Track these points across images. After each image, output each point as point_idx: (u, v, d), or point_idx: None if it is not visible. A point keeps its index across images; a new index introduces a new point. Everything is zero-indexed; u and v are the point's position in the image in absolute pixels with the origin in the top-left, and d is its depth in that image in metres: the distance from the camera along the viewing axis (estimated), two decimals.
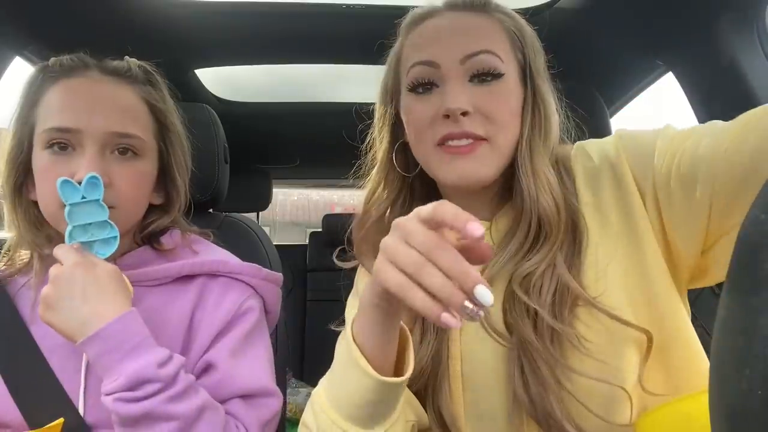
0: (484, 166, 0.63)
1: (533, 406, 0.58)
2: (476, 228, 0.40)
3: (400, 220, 0.46)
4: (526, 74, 0.67)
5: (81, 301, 0.63)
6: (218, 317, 0.75)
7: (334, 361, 0.59)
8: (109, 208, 0.70)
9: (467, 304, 0.40)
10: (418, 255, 0.42)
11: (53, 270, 0.65)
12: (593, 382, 0.57)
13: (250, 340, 0.77)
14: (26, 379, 0.71)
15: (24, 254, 0.79)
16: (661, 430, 0.54)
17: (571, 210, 0.63)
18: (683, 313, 0.62)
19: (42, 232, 0.75)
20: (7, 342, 0.72)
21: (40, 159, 0.71)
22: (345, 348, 0.54)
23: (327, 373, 0.60)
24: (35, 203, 0.74)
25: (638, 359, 0.58)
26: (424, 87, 0.66)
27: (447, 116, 0.63)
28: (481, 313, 0.41)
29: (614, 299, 0.59)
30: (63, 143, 0.70)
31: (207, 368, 0.74)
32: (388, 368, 0.53)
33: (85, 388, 0.71)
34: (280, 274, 0.86)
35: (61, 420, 0.67)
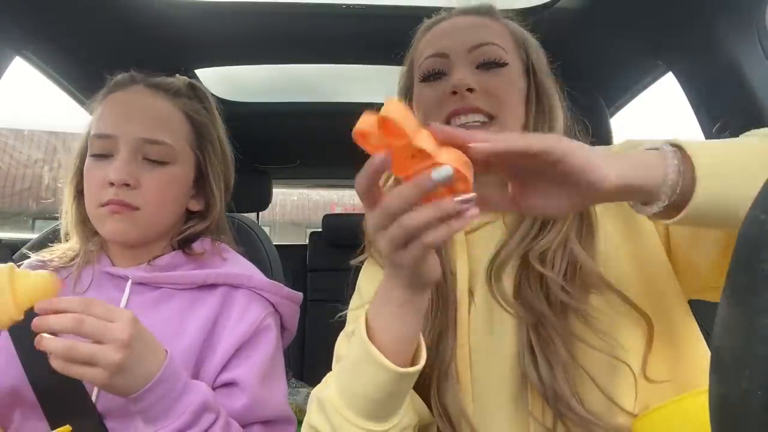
0: None
1: (542, 383, 0.59)
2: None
3: None
4: (530, 72, 0.71)
5: (138, 357, 0.62)
6: (240, 330, 0.77)
7: (343, 360, 0.59)
8: (135, 209, 0.75)
9: (456, 198, 0.43)
10: (384, 215, 0.45)
11: (124, 334, 0.60)
12: (602, 358, 0.58)
13: (274, 363, 0.80)
14: (45, 365, 0.70)
15: (71, 249, 0.84)
16: (660, 431, 0.54)
17: None
18: (686, 308, 0.63)
19: (88, 227, 0.82)
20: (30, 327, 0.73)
21: (87, 164, 0.79)
22: (358, 345, 0.54)
23: (334, 373, 0.60)
24: None
25: (642, 345, 0.60)
26: (434, 76, 0.70)
27: (454, 93, 0.66)
28: (471, 194, 0.43)
29: (621, 282, 0.61)
30: (102, 152, 0.77)
31: (230, 385, 0.75)
32: (403, 360, 0.53)
33: None
34: (301, 294, 0.88)
35: (67, 428, 0.67)
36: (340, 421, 0.55)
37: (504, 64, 0.68)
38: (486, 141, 0.44)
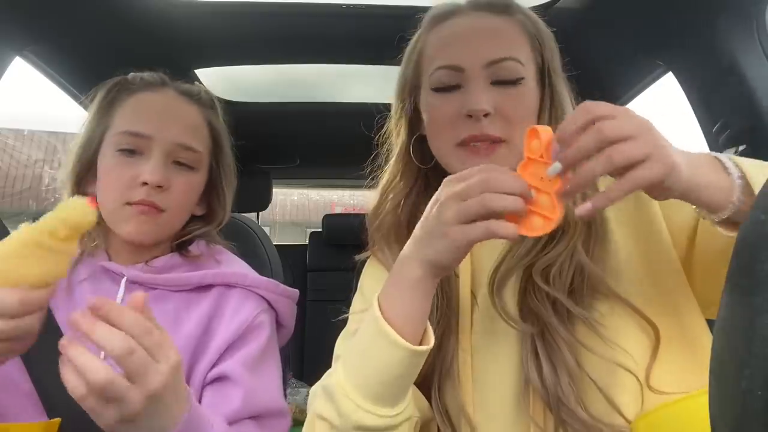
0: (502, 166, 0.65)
1: (545, 390, 0.59)
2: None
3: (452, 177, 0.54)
4: (544, 75, 0.70)
5: (156, 412, 0.53)
6: (233, 327, 0.77)
7: (351, 345, 0.60)
8: (162, 211, 0.76)
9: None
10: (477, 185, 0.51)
11: (159, 383, 0.50)
12: (607, 366, 0.58)
13: (265, 357, 0.79)
14: (46, 364, 0.69)
15: None
16: (659, 430, 0.54)
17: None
18: (700, 316, 0.63)
19: None
20: None
21: (108, 159, 0.78)
22: (370, 324, 0.55)
23: (340, 360, 0.60)
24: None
25: (648, 354, 0.59)
26: (447, 88, 0.68)
27: (469, 116, 0.65)
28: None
29: (631, 290, 0.61)
30: (131, 147, 0.77)
31: (221, 379, 0.75)
32: (413, 341, 0.55)
33: None
34: (297, 290, 0.89)
35: (57, 420, 0.67)
36: (348, 405, 0.55)
37: (521, 80, 0.67)
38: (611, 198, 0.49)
